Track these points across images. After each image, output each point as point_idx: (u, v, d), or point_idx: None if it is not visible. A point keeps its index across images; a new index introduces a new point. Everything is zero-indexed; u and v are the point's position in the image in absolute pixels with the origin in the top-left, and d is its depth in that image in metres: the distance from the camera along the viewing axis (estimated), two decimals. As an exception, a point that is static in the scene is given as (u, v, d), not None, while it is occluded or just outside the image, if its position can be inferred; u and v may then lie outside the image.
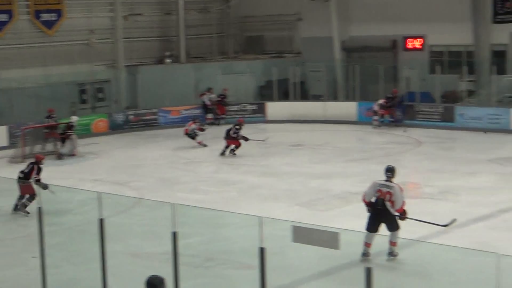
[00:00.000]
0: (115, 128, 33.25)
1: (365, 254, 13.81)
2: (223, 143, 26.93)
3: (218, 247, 15.83)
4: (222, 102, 34.77)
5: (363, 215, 17.78)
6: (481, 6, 33.42)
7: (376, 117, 32.10)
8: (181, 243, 9.03)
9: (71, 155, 27.65)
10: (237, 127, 26.98)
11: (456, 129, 30.53)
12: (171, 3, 39.21)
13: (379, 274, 8.01)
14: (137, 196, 20.57)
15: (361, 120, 33.24)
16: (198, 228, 15.98)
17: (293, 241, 8.67)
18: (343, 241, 8.76)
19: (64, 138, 27.75)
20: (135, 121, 34.08)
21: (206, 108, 34.24)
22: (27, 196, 18.14)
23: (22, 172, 19.16)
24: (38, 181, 18.52)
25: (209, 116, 33.91)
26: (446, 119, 31.32)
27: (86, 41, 36.27)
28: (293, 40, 40.33)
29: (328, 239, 8.67)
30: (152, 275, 8.10)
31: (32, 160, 19.91)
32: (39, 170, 19.00)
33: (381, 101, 32.01)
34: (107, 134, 32.45)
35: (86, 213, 17.57)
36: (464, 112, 31.08)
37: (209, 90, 34.39)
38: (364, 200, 14.44)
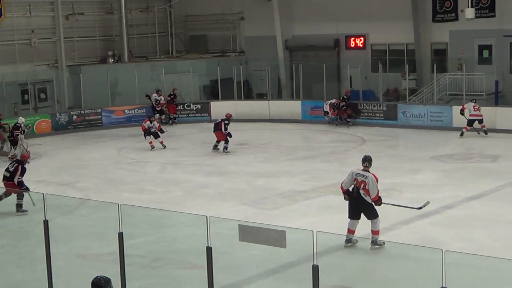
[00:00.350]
0: (59, 128, 32.94)
1: (348, 241, 14.36)
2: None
3: (165, 247, 15.79)
4: (172, 101, 34.68)
5: (309, 214, 18.04)
6: (421, 5, 33.93)
7: (327, 118, 32.24)
8: (127, 243, 9.02)
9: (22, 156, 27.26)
10: (226, 121, 26.94)
11: (399, 127, 30.94)
12: (112, 2, 38.97)
13: (325, 271, 8.09)
14: (82, 197, 20.42)
15: (305, 119, 33.43)
16: (145, 228, 15.94)
17: (240, 240, 8.71)
18: (289, 239, 8.83)
19: (14, 140, 27.29)
20: (79, 121, 33.79)
21: (154, 109, 33.98)
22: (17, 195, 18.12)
23: (7, 170, 18.92)
24: (20, 183, 18.42)
25: (158, 117, 33.43)
26: (389, 117, 31.68)
27: (27, 41, 35.84)
28: (236, 39, 40.41)
29: (274, 237, 8.74)
30: (98, 276, 8.06)
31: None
32: (23, 171, 18.74)
33: (333, 101, 32.07)
34: (51, 134, 32.14)
35: (30, 214, 17.41)
36: (407, 110, 31.47)
37: (158, 91, 34.13)
38: (342, 188, 14.89)
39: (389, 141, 28.60)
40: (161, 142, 28.04)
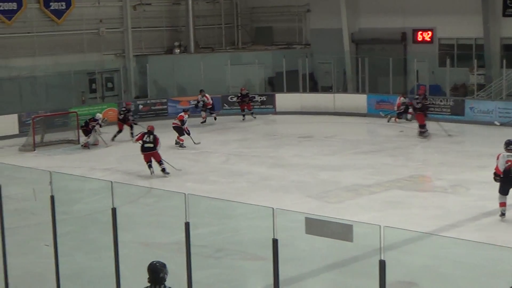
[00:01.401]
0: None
1: (503, 214, 16.35)
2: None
3: (229, 238, 15.84)
4: (243, 101, 33.71)
5: (373, 208, 17.89)
6: (491, -1, 33.33)
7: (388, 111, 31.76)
8: (191, 233, 9.02)
9: (94, 144, 27.77)
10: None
11: (466, 123, 30.45)
12: (180, -8, 39.23)
13: (390, 267, 7.98)
14: (147, 185, 20.59)
15: (371, 113, 33.17)
16: (208, 218, 15.97)
17: (306, 233, 8.64)
18: (355, 233, 8.74)
19: (86, 131, 27.79)
20: (145, 110, 34.08)
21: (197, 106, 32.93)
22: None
23: (149, 142, 22.36)
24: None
25: (203, 114, 32.71)
26: (456, 113, 31.22)
27: (95, 31, 36.27)
28: (302, 32, 40.26)
29: (341, 231, 8.64)
30: (154, 261, 8.23)
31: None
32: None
33: (406, 100, 31.22)
34: (117, 123, 32.40)
35: (97, 202, 17.61)
36: (474, 105, 30.98)
37: (201, 91, 32.87)
38: (498, 170, 16.59)
39: (456, 137, 28.16)
40: (180, 139, 27.38)
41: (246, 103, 33.59)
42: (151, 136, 22.52)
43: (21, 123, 30.54)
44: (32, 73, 33.30)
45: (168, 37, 39.23)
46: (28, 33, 34.08)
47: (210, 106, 32.64)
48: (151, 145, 22.38)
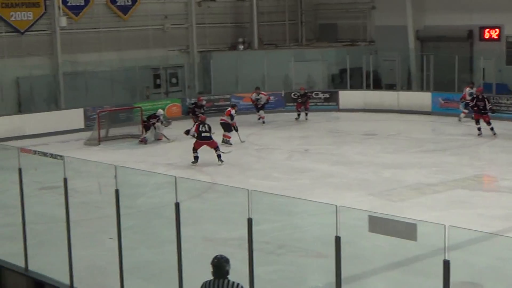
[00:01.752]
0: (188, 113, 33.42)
1: None
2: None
3: (291, 234, 15.82)
4: (303, 100, 32.92)
5: (436, 207, 17.68)
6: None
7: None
8: (254, 229, 9.03)
9: (158, 139, 27.95)
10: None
11: (533, 122, 29.90)
12: (244, -11, 39.33)
13: (454, 267, 7.87)
14: (210, 181, 20.69)
15: (435, 111, 32.80)
16: (271, 215, 15.96)
17: (369, 231, 8.58)
18: (418, 232, 8.65)
19: (147, 126, 28.04)
20: (208, 106, 34.19)
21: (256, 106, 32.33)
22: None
23: (206, 131, 23.75)
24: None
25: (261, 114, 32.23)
26: (524, 112, 30.69)
27: (160, 26, 36.59)
28: (366, 29, 40.01)
29: (404, 230, 8.56)
30: (218, 255, 8.35)
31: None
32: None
33: (473, 90, 30.73)
34: (181, 118, 32.64)
35: (160, 196, 17.76)
36: (542, 104, 30.43)
37: (257, 89, 32.57)
38: None
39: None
40: (227, 136, 27.06)
41: (303, 103, 32.76)
42: (206, 126, 23.74)
43: (87, 118, 31.02)
44: (97, 68, 33.74)
45: (232, 33, 39.37)
46: (95, 28, 34.56)
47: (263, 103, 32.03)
48: (208, 134, 23.68)
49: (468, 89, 30.51)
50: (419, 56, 36.36)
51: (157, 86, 36.15)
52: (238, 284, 8.33)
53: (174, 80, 37.04)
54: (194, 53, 37.54)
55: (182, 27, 37.46)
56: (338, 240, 8.57)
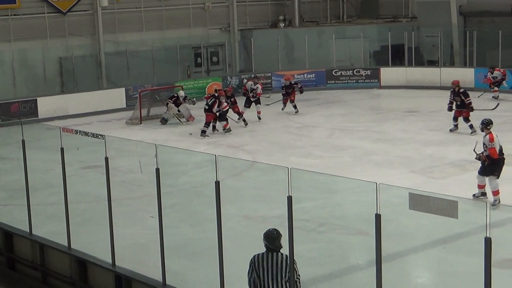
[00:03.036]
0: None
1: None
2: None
3: (331, 212, 15.81)
4: (288, 91, 29.38)
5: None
6: None
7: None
8: (294, 207, 9.02)
9: (187, 120, 27.87)
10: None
11: None
12: (285, -34, 39.13)
13: (496, 244, 7.80)
14: (250, 159, 20.71)
15: (478, 87, 32.39)
16: (311, 192, 15.97)
17: (410, 209, 8.53)
18: (459, 209, 8.58)
19: (178, 104, 27.92)
20: (249, 85, 34.20)
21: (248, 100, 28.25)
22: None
23: (206, 104, 24.86)
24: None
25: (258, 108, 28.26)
26: None
27: (201, 5, 36.59)
28: (408, 4, 39.60)
29: (446, 207, 8.48)
30: (271, 228, 8.67)
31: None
32: (219, 104, 24.60)
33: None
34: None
35: (201, 175, 17.84)
36: None
37: (254, 78, 30.17)
38: None
39: None
40: (225, 126, 25.42)
41: (287, 94, 29.24)
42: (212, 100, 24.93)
43: (128, 97, 31.23)
44: (139, 47, 33.89)
45: (273, 11, 39.25)
46: (136, 8, 34.69)
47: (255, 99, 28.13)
48: (206, 107, 24.90)
49: (489, 73, 30.27)
50: (462, 32, 35.92)
51: (198, 64, 36.22)
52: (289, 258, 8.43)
53: (215, 59, 37.09)
54: (235, 32, 37.52)
55: (222, 5, 37.43)
56: (378, 218, 8.53)
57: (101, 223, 12.48)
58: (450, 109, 24.32)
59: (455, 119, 24.15)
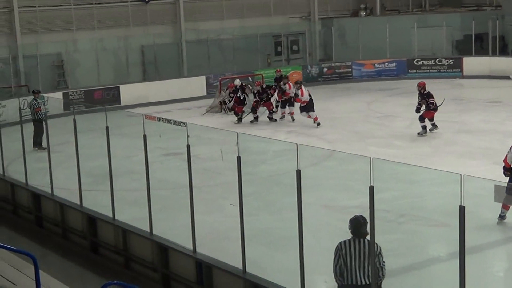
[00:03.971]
0: (309, 80, 33.38)
1: (502, 217, 13.42)
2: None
3: (412, 203, 15.65)
4: (262, 97, 26.26)
5: None
6: None
7: None
8: (375, 197, 8.98)
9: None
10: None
11: None
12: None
13: None
14: (330, 148, 20.65)
15: None
16: (392, 183, 15.83)
17: (495, 201, 8.41)
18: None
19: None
20: (329, 73, 34.12)
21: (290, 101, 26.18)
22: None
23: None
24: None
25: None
26: None
27: (281, -7, 36.64)
28: (493, -7, 38.93)
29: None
30: (358, 214, 8.75)
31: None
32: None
33: None
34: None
35: (281, 163, 17.87)
36: None
37: (296, 83, 25.80)
38: (506, 163, 14.35)
39: None
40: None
41: (259, 102, 26.21)
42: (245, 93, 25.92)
43: (209, 85, 31.45)
44: (219, 36, 34.07)
45: (354, -1, 39.04)
46: (217, -4, 34.95)
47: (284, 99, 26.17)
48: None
49: None
50: (549, 20, 35.12)
51: (278, 53, 36.25)
52: (375, 245, 8.40)
53: (295, 47, 37.07)
54: (316, 20, 37.39)
55: (303, -6, 37.40)
56: (462, 209, 8.41)
57: (181, 210, 12.61)
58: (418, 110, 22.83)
59: (422, 119, 22.57)
